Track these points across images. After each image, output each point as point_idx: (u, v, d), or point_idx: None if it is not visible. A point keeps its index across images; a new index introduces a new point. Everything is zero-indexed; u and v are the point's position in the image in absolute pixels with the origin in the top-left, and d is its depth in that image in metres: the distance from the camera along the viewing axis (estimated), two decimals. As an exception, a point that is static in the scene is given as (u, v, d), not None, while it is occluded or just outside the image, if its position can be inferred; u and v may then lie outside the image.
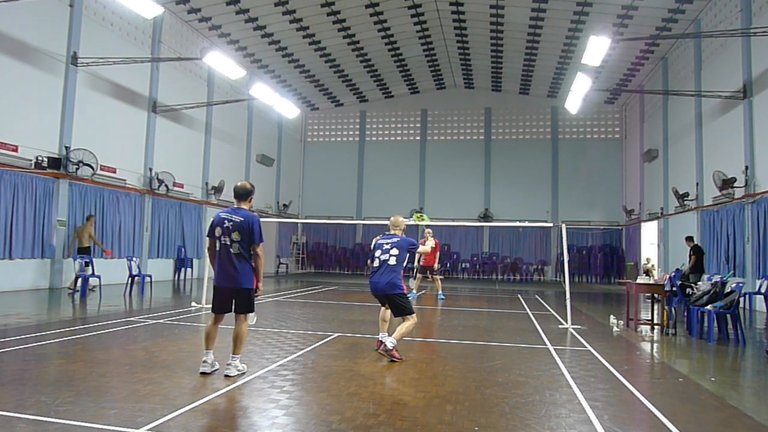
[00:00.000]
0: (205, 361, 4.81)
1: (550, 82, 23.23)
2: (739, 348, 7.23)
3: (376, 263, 6.10)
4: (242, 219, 4.80)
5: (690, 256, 12.36)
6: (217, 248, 4.82)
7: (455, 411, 3.95)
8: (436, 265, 13.34)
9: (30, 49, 12.10)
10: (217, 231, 4.83)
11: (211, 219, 5.10)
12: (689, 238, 12.84)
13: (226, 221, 4.81)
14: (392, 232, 6.37)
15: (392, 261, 6.04)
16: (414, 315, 6.03)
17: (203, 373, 4.78)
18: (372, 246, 6.38)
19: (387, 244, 6.18)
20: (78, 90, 13.24)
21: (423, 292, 14.40)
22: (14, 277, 11.79)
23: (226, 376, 4.73)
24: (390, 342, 5.68)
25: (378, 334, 6.25)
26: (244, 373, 4.86)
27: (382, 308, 6.34)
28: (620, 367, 5.62)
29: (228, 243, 4.77)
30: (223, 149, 20.11)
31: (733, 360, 6.65)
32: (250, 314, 5.01)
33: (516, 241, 25.11)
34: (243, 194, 4.97)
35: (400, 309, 5.96)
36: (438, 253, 13.50)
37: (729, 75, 13.77)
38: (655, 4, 15.30)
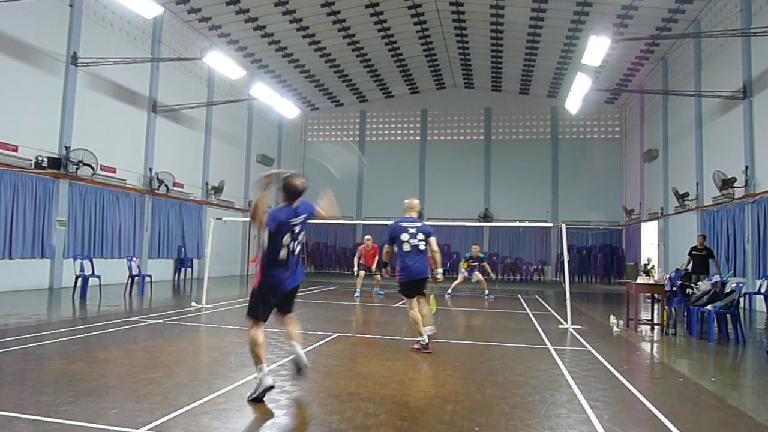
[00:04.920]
0: (266, 376, 4.04)
1: (550, 82, 23.23)
2: (739, 348, 7.23)
3: (406, 248, 5.79)
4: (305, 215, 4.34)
5: (706, 256, 11.57)
6: (283, 256, 4.15)
7: (455, 411, 3.95)
8: (373, 267, 13.83)
9: (30, 49, 12.10)
10: (286, 238, 4.16)
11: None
12: (703, 236, 12.16)
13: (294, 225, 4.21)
14: (410, 214, 6.18)
15: (422, 246, 5.90)
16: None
17: (270, 388, 4.02)
18: (391, 230, 6.04)
19: (412, 227, 5.88)
20: (78, 90, 13.25)
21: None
22: (14, 277, 11.79)
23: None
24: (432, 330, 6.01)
25: (418, 337, 6.12)
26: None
27: (413, 302, 6.06)
28: (620, 367, 5.62)
29: (294, 249, 4.26)
30: (223, 149, 20.11)
31: (733, 360, 6.64)
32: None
33: (516, 241, 25.09)
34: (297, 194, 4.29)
35: (424, 288, 6.10)
36: (376, 257, 13.84)
37: (729, 75, 13.76)
38: (655, 4, 15.30)
